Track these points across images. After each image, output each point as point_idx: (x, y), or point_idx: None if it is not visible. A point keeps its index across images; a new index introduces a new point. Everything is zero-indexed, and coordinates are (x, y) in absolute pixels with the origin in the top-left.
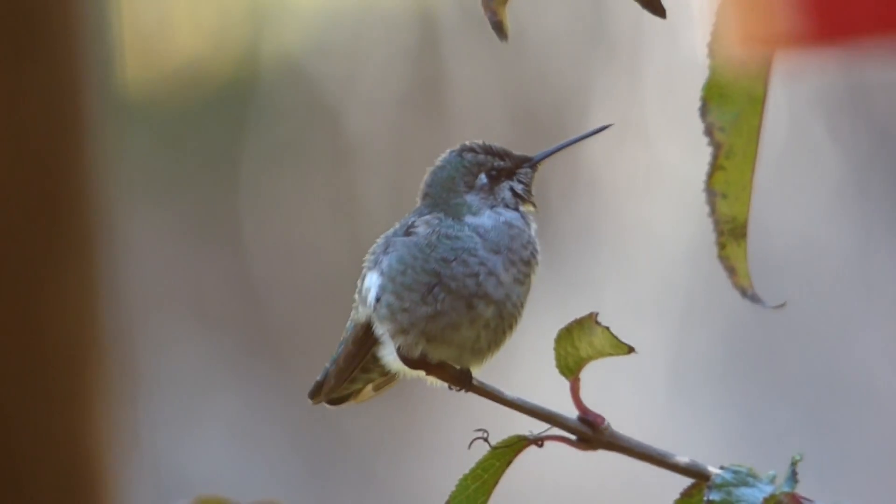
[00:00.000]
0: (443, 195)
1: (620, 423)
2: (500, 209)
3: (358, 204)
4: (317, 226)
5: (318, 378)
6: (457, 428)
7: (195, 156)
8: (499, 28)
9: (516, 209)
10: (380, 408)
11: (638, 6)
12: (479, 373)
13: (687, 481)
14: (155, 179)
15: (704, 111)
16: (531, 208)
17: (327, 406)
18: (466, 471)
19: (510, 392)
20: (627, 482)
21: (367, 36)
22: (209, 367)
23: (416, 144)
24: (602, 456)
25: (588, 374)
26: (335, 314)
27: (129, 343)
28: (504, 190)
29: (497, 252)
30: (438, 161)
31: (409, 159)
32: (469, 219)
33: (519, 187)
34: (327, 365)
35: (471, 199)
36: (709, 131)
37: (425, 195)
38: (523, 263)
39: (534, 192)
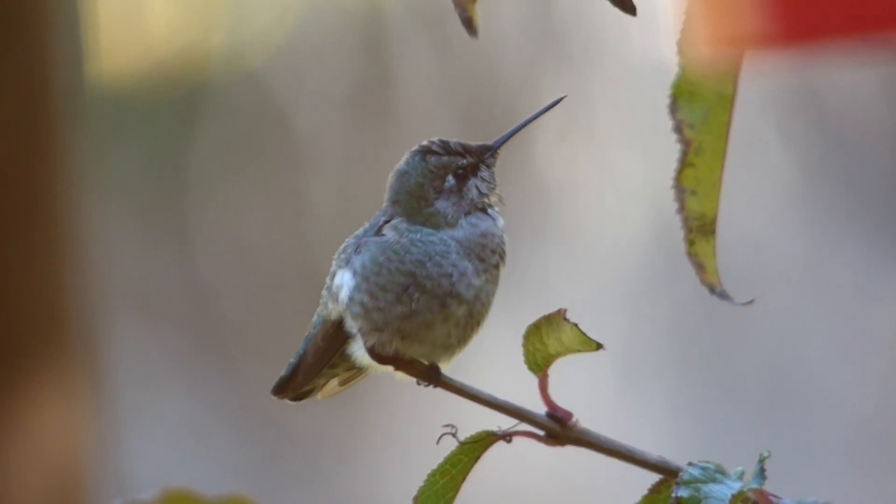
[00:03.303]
0: (413, 204)
1: None
2: (474, 218)
3: (306, 203)
4: (265, 224)
5: (283, 374)
6: (406, 423)
7: (143, 153)
8: (468, 24)
9: (485, 210)
10: (328, 404)
11: (587, 5)
12: (446, 369)
13: (654, 477)
14: (106, 175)
15: (674, 108)
16: (496, 199)
17: (288, 402)
18: (419, 465)
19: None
20: (595, 478)
21: (316, 34)
22: (157, 364)
23: (365, 144)
24: (570, 452)
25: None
26: (283, 312)
27: (95, 338)
28: (472, 190)
29: (469, 259)
30: (401, 165)
31: (358, 158)
32: (447, 232)
33: (484, 185)
34: (292, 360)
35: (442, 206)
36: (678, 128)
37: (395, 202)
38: (493, 267)
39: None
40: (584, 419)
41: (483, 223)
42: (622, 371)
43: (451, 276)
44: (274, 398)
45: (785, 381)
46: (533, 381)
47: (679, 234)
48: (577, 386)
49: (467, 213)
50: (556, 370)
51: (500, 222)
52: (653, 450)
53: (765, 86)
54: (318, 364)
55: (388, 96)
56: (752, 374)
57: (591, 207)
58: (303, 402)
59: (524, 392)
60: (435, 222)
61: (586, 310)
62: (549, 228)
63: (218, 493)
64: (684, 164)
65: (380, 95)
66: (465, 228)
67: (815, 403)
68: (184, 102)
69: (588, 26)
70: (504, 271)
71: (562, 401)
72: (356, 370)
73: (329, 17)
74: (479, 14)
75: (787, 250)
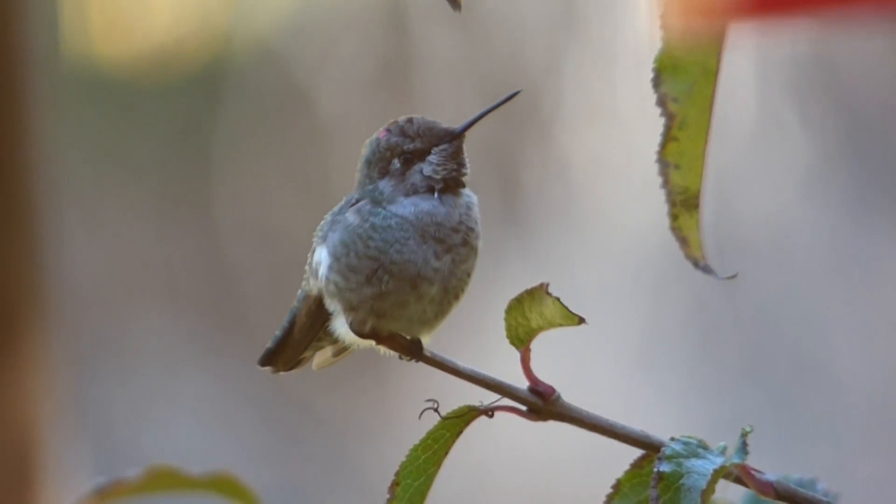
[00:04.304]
0: (361, 180)
1: (589, 400)
2: (416, 198)
3: (328, 183)
4: (287, 205)
5: (268, 346)
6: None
7: (167, 134)
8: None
9: (431, 193)
10: (350, 383)
11: None
12: (436, 343)
13: (638, 452)
14: (127, 157)
15: (657, 82)
16: (450, 187)
17: (280, 374)
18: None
19: (471, 363)
20: (579, 454)
21: (339, 17)
22: (179, 345)
23: None
24: (554, 427)
25: (559, 352)
26: None
27: (73, 320)
28: (414, 174)
29: (426, 242)
30: (364, 143)
31: None
32: (388, 207)
33: (429, 169)
34: (277, 333)
35: (383, 185)
36: (662, 102)
37: (359, 177)
38: (460, 246)
39: (468, 163)
40: (604, 402)
41: (424, 203)
42: (643, 353)
43: (415, 262)
44: (280, 373)
45: (805, 364)
46: (563, 359)
47: (702, 216)
48: (597, 368)
49: (407, 195)
50: (577, 352)
51: (460, 202)
52: (673, 432)
53: (783, 66)
54: (304, 340)
55: (411, 78)
56: (772, 356)
57: (612, 190)
58: (329, 384)
59: (555, 371)
60: (374, 199)
61: (607, 292)
62: (570, 211)
63: (204, 470)
64: (668, 137)
65: (403, 77)
66: (405, 206)
67: (836, 386)
68: (209, 83)
69: (609, 7)
70: (525, 252)
71: (579, 384)
72: (341, 344)
73: None
74: None
75: (807, 232)
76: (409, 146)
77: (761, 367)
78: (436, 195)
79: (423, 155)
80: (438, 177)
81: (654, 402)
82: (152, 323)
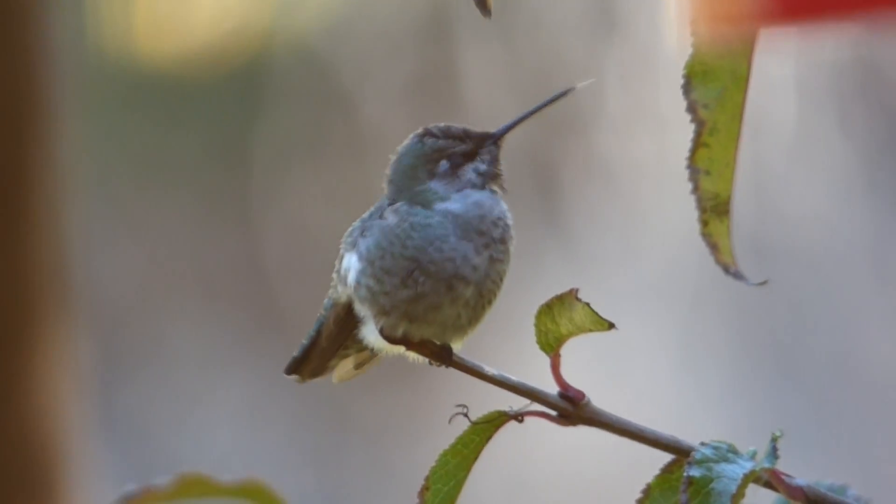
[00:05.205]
0: (406, 183)
1: (625, 404)
2: (468, 190)
3: (368, 188)
4: (326, 208)
5: (295, 354)
6: (470, 410)
7: (207, 136)
8: (482, 5)
9: (483, 189)
10: (386, 389)
11: None
12: (478, 345)
13: (669, 457)
14: (166, 159)
15: (688, 88)
16: (498, 188)
17: (349, 387)
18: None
19: (512, 367)
20: (609, 458)
21: (382, 22)
22: (217, 349)
23: None
24: (585, 432)
25: (596, 357)
26: None
27: (109, 324)
28: (468, 172)
29: (469, 239)
30: (400, 148)
31: None
32: (439, 205)
33: (483, 167)
34: (304, 342)
35: (435, 185)
36: (692, 108)
37: (390, 182)
38: (499, 242)
39: (503, 167)
40: (641, 404)
41: (475, 194)
42: (681, 358)
43: (454, 260)
44: (327, 382)
45: (842, 367)
46: (602, 363)
47: (739, 219)
48: (635, 371)
49: (459, 190)
50: (616, 355)
51: (502, 202)
52: (710, 436)
53: (823, 69)
54: (332, 347)
55: (453, 83)
56: (810, 361)
57: (652, 193)
58: (365, 390)
59: (592, 375)
60: (425, 199)
61: (646, 295)
62: (610, 214)
63: (235, 477)
64: (698, 144)
65: (445, 82)
66: (458, 200)
67: (873, 389)
68: (252, 87)
69: (651, 11)
70: (564, 255)
71: (621, 387)
72: (369, 352)
73: (396, 4)
74: (543, 1)
75: (846, 236)
76: (459, 148)
77: (799, 370)
78: (486, 189)
79: (472, 156)
80: (491, 179)
81: (691, 406)
82: (190, 327)
